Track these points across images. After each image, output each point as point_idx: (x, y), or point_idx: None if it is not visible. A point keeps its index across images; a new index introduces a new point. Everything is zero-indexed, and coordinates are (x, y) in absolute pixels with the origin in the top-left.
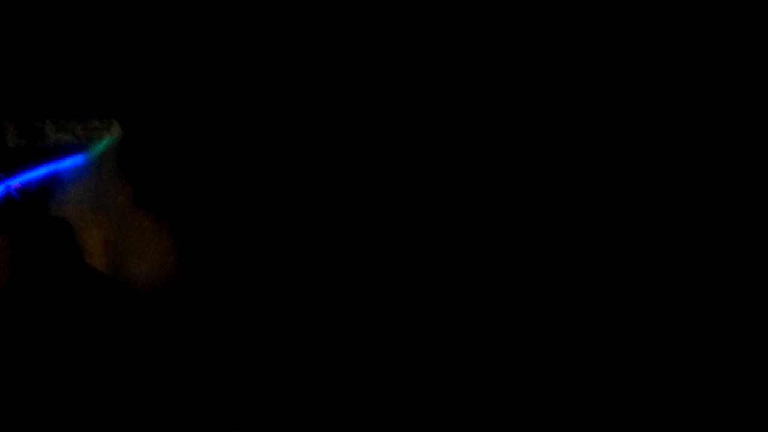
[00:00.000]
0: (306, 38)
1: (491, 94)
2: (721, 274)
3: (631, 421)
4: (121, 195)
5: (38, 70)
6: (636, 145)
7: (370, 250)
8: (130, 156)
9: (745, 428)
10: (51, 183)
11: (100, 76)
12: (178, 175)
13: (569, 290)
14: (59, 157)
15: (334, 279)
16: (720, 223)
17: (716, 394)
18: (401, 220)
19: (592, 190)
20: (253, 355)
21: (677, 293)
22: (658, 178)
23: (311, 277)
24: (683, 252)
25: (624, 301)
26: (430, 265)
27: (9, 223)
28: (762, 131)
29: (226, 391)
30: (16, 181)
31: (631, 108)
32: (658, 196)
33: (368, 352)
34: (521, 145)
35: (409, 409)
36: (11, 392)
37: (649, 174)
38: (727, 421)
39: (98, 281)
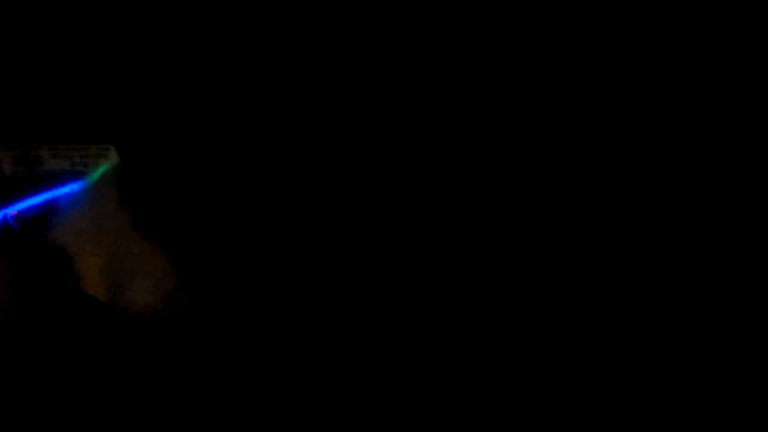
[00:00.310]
0: (304, 65)
1: (491, 94)
2: (721, 274)
3: (631, 422)
4: (118, 221)
5: (34, 97)
6: (636, 145)
7: (374, 270)
8: (127, 182)
9: (745, 428)
10: (48, 210)
11: (96, 103)
12: (176, 201)
13: (569, 290)
14: (56, 184)
15: (341, 303)
16: (720, 223)
17: (716, 394)
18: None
19: (592, 190)
20: (256, 377)
21: (677, 293)
22: (658, 179)
23: (316, 299)
24: (683, 252)
25: (623, 301)
26: (430, 265)
27: (6, 251)
28: (762, 131)
29: (229, 413)
30: (12, 209)
31: (631, 108)
32: (658, 197)
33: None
34: (521, 145)
35: (408, 409)
36: (10, 420)
37: (649, 174)
38: (727, 422)
39: (96, 308)
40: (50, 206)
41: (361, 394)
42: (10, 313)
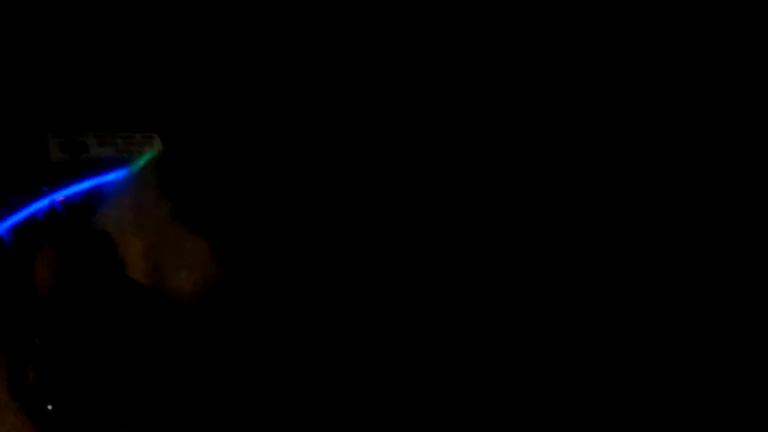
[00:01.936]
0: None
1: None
2: (721, 275)
3: (630, 422)
4: (161, 208)
5: (81, 85)
6: (636, 145)
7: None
8: (170, 170)
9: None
10: (93, 197)
11: (141, 92)
12: (218, 189)
13: (569, 290)
14: (101, 171)
15: (384, 291)
16: (720, 223)
17: (716, 394)
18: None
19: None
20: (296, 367)
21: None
22: (658, 178)
23: (359, 287)
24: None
25: (624, 300)
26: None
27: (52, 236)
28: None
29: (267, 403)
30: (58, 195)
31: (631, 108)
32: (657, 196)
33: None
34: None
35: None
36: (56, 402)
37: (649, 174)
38: (727, 421)
39: (138, 293)
40: (96, 192)
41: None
42: (56, 296)
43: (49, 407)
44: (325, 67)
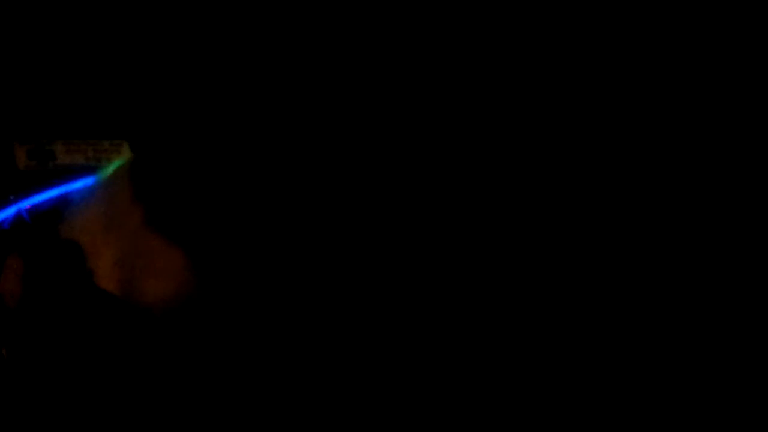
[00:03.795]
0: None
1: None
2: (721, 275)
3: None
4: (131, 216)
5: (48, 92)
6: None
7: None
8: (140, 177)
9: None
10: (61, 204)
11: (110, 98)
12: (188, 196)
13: (568, 290)
14: (69, 179)
15: (346, 300)
16: (720, 223)
17: (716, 394)
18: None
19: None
20: (269, 373)
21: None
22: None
23: (329, 294)
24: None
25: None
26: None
27: (19, 245)
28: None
29: (235, 411)
30: (26, 203)
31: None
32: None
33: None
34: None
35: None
36: (22, 413)
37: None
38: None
39: (108, 302)
40: (63, 200)
41: (360, 394)
42: (23, 306)
43: (15, 414)
44: (295, 76)
